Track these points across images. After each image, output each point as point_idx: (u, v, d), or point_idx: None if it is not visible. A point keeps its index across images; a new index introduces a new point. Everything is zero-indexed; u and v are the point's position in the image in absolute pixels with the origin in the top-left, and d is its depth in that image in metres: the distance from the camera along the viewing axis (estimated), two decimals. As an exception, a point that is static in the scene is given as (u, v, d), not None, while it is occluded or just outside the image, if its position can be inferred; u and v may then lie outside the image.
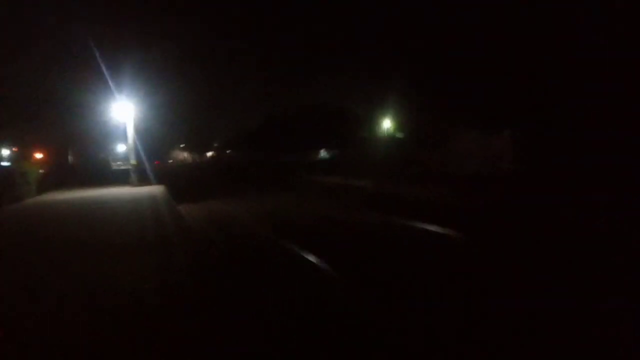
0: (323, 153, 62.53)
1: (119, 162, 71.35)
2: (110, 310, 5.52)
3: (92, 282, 6.71)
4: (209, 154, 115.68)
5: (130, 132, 26.34)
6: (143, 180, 27.45)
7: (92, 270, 7.37)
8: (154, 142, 58.48)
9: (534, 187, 16.76)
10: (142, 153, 30.89)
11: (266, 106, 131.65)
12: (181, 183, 33.66)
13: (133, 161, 26.67)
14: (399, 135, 44.25)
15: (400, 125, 42.35)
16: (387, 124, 46.82)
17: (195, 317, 5.27)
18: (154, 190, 23.25)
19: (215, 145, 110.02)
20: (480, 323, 5.51)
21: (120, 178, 31.14)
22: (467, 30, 21.56)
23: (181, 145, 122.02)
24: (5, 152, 59.98)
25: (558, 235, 10.26)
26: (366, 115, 49.04)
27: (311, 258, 8.74)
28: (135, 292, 6.16)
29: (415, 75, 25.49)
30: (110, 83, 27.11)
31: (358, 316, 5.89)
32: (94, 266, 7.58)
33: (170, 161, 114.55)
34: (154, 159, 51.67)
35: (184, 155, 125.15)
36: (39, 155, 56.96)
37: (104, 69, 27.98)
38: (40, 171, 26.05)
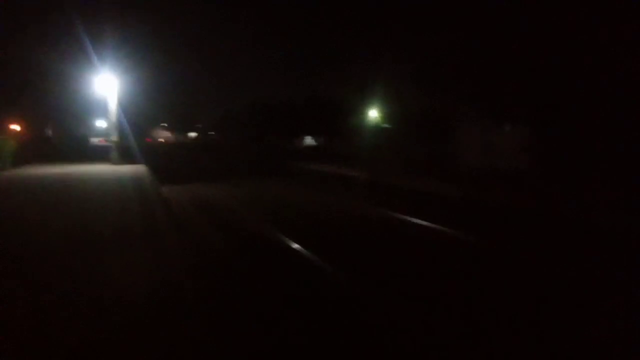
0: (309, 140, 61.69)
1: (99, 138, 69.59)
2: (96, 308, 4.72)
3: (72, 276, 5.88)
4: (192, 134, 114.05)
5: (113, 107, 25.18)
6: (124, 158, 26.35)
7: (69, 262, 6.52)
8: (137, 119, 56.88)
9: (541, 184, 16.10)
10: (125, 130, 29.72)
11: (253, 91, 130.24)
12: (164, 163, 32.60)
13: (114, 137, 25.53)
14: (386, 125, 43.55)
15: (390, 115, 41.49)
16: (374, 113, 46.03)
17: (186, 316, 4.52)
18: (136, 169, 22.23)
19: (199, 126, 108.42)
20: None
21: (100, 155, 29.97)
22: (478, 13, 20.66)
23: (164, 124, 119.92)
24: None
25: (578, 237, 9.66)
26: (355, 105, 48.17)
27: (305, 252, 8.04)
28: (120, 290, 5.36)
29: (421, 61, 24.48)
30: (93, 54, 25.89)
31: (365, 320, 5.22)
32: (71, 257, 6.74)
33: (161, 140, 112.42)
34: (138, 135, 50.20)
35: (167, 134, 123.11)
36: (15, 128, 55.16)
37: (86, 39, 26.68)
38: (16, 144, 24.81)
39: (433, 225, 10.46)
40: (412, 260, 7.99)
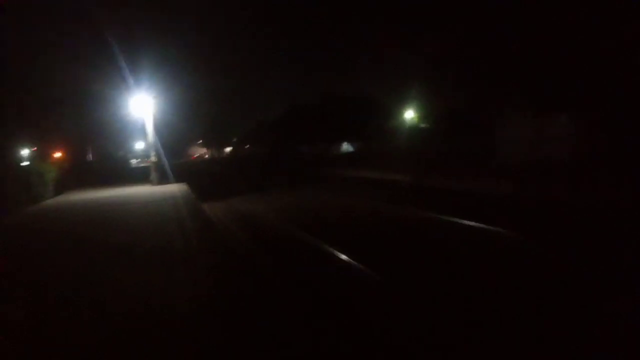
0: (345, 146, 61.12)
1: (137, 160, 70.67)
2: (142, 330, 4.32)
3: (119, 297, 5.51)
4: (227, 149, 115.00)
5: (150, 128, 25.24)
6: (163, 178, 26.38)
7: (119, 283, 6.18)
8: (172, 138, 57.55)
9: (597, 176, 15.01)
10: (161, 150, 29.85)
11: (286, 100, 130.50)
12: (203, 180, 32.61)
13: (153, 158, 25.57)
14: (423, 125, 42.56)
15: (426, 114, 40.51)
16: (409, 114, 45.11)
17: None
18: (176, 188, 22.14)
19: (234, 140, 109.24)
20: None
21: (140, 176, 30.20)
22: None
23: (199, 141, 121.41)
24: (25, 151, 59.54)
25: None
26: (390, 106, 47.30)
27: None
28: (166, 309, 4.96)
29: (458, 52, 23.59)
30: (129, 76, 26.06)
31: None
32: (121, 279, 6.39)
33: (207, 156, 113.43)
34: (175, 155, 50.75)
35: (203, 151, 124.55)
36: (57, 154, 56.43)
37: (122, 62, 26.91)
38: (59, 171, 25.11)
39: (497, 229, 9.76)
40: (468, 266, 7.38)
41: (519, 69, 20.08)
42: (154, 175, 25.39)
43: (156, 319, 5.12)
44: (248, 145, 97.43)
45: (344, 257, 8.32)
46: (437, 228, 10.71)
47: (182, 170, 42.57)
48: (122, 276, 6.84)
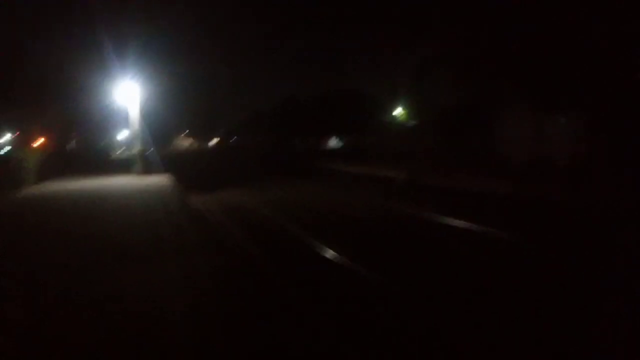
0: (334, 141, 60.54)
1: (121, 149, 69.47)
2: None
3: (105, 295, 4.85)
4: (214, 140, 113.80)
5: (136, 117, 24.38)
6: (148, 169, 25.53)
7: (103, 280, 5.52)
8: (158, 128, 56.31)
9: (609, 180, 14.58)
10: (147, 139, 29.01)
11: (276, 93, 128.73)
12: (189, 172, 31.79)
13: (138, 148, 24.73)
14: (413, 121, 42.01)
15: (420, 110, 39.87)
16: (400, 110, 44.56)
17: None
18: (162, 180, 21.35)
19: (222, 130, 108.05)
20: None
21: (123, 166, 29.24)
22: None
23: (185, 131, 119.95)
24: (7, 136, 57.89)
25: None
26: (382, 102, 46.65)
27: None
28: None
29: (458, 47, 23.04)
30: (114, 62, 25.15)
31: None
32: (106, 275, 5.72)
33: (184, 147, 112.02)
34: (160, 145, 49.68)
35: (189, 141, 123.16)
36: (39, 142, 55.05)
37: (107, 46, 25.97)
38: (39, 158, 24.21)
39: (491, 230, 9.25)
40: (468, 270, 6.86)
41: (518, 68, 19.61)
42: (138, 166, 24.55)
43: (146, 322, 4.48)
44: (235, 137, 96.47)
45: (342, 258, 7.73)
46: (436, 228, 10.21)
47: (169, 161, 41.65)
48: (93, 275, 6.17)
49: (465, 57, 22.49)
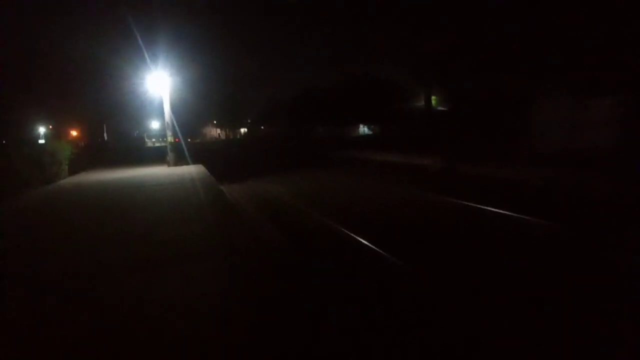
0: (362, 128, 60.00)
1: (153, 139, 70.32)
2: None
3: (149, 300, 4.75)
4: (242, 130, 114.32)
5: (167, 107, 24.47)
6: (180, 159, 25.68)
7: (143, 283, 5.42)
8: (188, 118, 56.72)
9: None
10: (177, 129, 29.15)
11: (302, 80, 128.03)
12: (218, 162, 31.91)
13: (170, 138, 24.83)
14: (443, 108, 41.18)
15: (450, 96, 39.02)
16: (430, 96, 43.75)
17: None
18: (193, 170, 21.41)
19: (248, 121, 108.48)
20: None
21: (155, 156, 29.55)
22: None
23: (214, 122, 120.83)
24: (42, 129, 59.24)
25: None
26: (410, 87, 45.79)
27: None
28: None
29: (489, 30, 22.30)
30: (146, 54, 25.25)
31: None
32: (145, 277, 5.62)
33: (221, 137, 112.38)
34: (190, 135, 49.98)
35: (217, 131, 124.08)
36: (73, 133, 56.07)
37: (139, 39, 26.06)
38: (74, 150, 24.53)
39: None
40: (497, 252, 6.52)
41: (557, 49, 18.91)
42: (170, 156, 24.68)
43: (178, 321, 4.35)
44: (263, 127, 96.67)
45: (390, 257, 7.40)
46: (488, 220, 9.77)
47: (198, 151, 41.91)
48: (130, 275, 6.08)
49: (491, 43, 21.82)
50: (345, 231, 9.06)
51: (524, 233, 8.43)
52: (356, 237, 8.55)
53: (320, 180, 18.43)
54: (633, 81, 16.96)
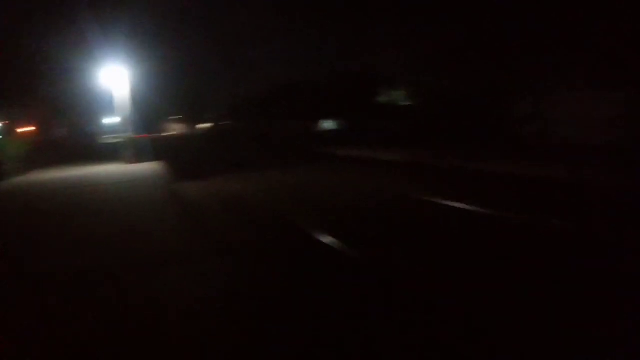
0: (328, 124, 59.35)
1: (110, 135, 68.16)
2: None
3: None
4: (206, 125, 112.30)
5: (126, 101, 23.23)
6: (139, 156, 24.45)
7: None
8: (149, 113, 54.93)
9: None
10: (137, 125, 27.92)
11: (268, 75, 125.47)
12: (180, 158, 30.73)
13: (129, 134, 23.62)
14: (409, 102, 40.58)
15: (416, 91, 38.34)
16: (402, 91, 43.15)
17: None
18: (152, 168, 20.33)
19: (212, 115, 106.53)
20: None
21: (112, 153, 28.14)
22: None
23: (177, 117, 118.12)
24: (-3, 126, 56.13)
25: None
26: (381, 81, 45.01)
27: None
28: None
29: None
30: (101, 46, 23.94)
31: None
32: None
33: (175, 133, 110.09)
34: (151, 130, 48.32)
35: (180, 126, 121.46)
36: (25, 129, 53.50)
37: (94, 28, 24.68)
38: (26, 147, 23.14)
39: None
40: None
41: (556, 44, 18.46)
42: (128, 153, 23.46)
43: None
44: (228, 122, 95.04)
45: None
46: (454, 216, 9.18)
47: (160, 147, 40.43)
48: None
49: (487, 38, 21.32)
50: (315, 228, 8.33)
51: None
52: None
53: (289, 176, 17.64)
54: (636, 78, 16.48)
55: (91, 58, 26.10)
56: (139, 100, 35.31)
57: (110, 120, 56.76)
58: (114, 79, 23.39)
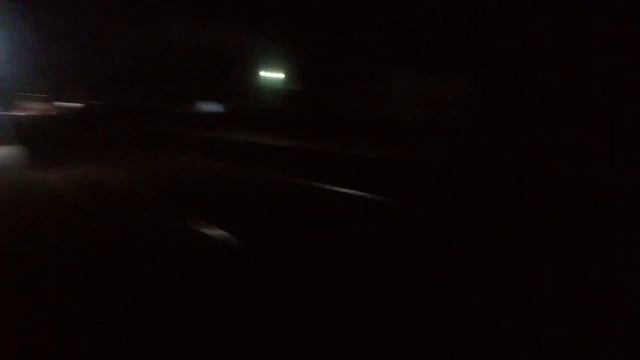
0: (207, 105, 57.25)
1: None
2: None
3: None
4: (75, 104, 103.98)
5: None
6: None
7: None
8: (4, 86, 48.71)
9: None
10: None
11: (130, 49, 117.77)
12: (38, 141, 27.65)
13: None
14: (293, 86, 40.12)
15: (295, 75, 38.02)
16: (276, 73, 42.46)
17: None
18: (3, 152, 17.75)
19: (80, 92, 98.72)
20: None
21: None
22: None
23: (41, 94, 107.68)
24: None
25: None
26: (255, 62, 43.89)
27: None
28: None
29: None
30: None
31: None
32: None
33: (35, 111, 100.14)
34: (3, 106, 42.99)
35: (43, 104, 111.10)
36: None
37: None
38: None
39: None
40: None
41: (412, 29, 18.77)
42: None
43: None
44: (94, 101, 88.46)
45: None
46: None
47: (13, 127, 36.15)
48: None
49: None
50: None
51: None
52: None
53: (159, 162, 16.27)
54: (480, 64, 17.38)
55: None
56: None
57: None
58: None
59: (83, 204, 9.65)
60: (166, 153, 19.11)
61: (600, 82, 16.17)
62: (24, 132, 30.05)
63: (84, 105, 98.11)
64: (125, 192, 11.14)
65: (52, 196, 9.96)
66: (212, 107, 53.55)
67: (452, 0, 17.82)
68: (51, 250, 6.13)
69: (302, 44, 27.50)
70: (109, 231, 7.66)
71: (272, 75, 42.03)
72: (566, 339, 4.03)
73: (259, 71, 42.71)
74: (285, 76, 40.39)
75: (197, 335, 3.96)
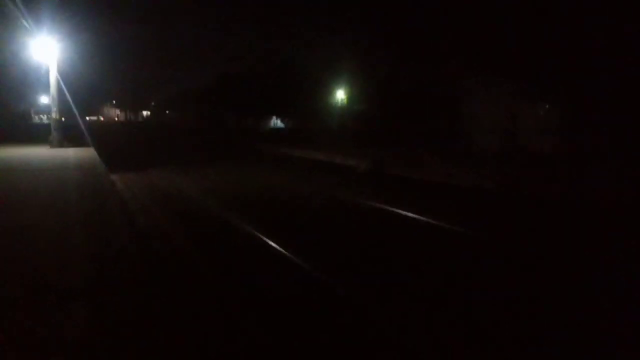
0: (275, 121, 57.68)
1: (42, 115, 63.92)
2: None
3: None
4: (145, 113, 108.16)
5: (53, 78, 20.83)
6: (68, 140, 22.01)
7: None
8: (82, 94, 50.86)
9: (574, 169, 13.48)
10: (67, 106, 25.42)
11: (214, 69, 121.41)
12: (114, 146, 28.45)
13: (54, 114, 21.20)
14: (358, 107, 39.42)
15: (366, 94, 37.20)
16: (341, 94, 41.95)
17: None
18: (82, 154, 18.20)
19: (153, 104, 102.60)
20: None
21: (42, 134, 25.46)
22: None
23: (113, 102, 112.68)
24: None
25: None
26: (326, 83, 43.52)
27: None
28: None
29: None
30: (29, 15, 21.18)
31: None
32: None
33: (111, 119, 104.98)
34: (84, 113, 44.74)
35: (117, 112, 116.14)
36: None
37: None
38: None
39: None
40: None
41: (495, 50, 17.98)
42: (53, 136, 21.02)
43: None
44: (168, 112, 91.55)
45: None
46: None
47: (92, 132, 37.57)
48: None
49: (415, 36, 20.69)
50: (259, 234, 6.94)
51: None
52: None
53: (231, 176, 16.12)
54: (565, 88, 16.39)
55: (20, 27, 23.11)
56: (72, 80, 32.20)
57: (45, 100, 52.21)
58: (44, 53, 20.89)
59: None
60: (233, 166, 19.12)
61: None
62: (99, 137, 31.13)
63: (152, 114, 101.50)
64: (195, 207, 11.01)
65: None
66: (277, 123, 53.85)
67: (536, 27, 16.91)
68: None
69: (382, 66, 27.16)
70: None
71: (344, 95, 41.61)
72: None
73: (333, 91, 42.34)
74: (362, 96, 39.79)
75: None
